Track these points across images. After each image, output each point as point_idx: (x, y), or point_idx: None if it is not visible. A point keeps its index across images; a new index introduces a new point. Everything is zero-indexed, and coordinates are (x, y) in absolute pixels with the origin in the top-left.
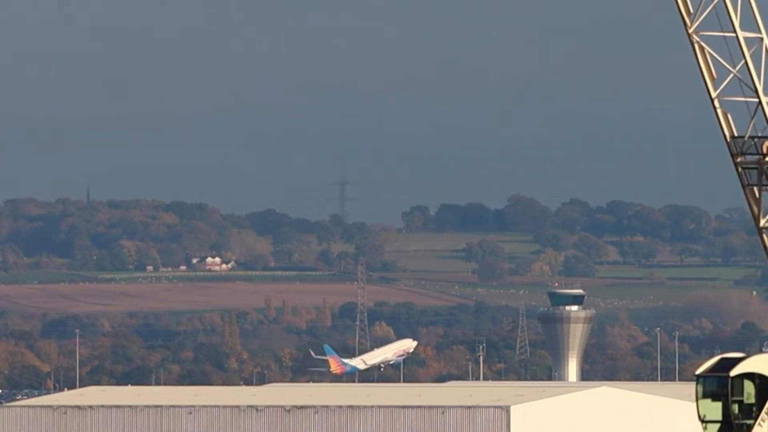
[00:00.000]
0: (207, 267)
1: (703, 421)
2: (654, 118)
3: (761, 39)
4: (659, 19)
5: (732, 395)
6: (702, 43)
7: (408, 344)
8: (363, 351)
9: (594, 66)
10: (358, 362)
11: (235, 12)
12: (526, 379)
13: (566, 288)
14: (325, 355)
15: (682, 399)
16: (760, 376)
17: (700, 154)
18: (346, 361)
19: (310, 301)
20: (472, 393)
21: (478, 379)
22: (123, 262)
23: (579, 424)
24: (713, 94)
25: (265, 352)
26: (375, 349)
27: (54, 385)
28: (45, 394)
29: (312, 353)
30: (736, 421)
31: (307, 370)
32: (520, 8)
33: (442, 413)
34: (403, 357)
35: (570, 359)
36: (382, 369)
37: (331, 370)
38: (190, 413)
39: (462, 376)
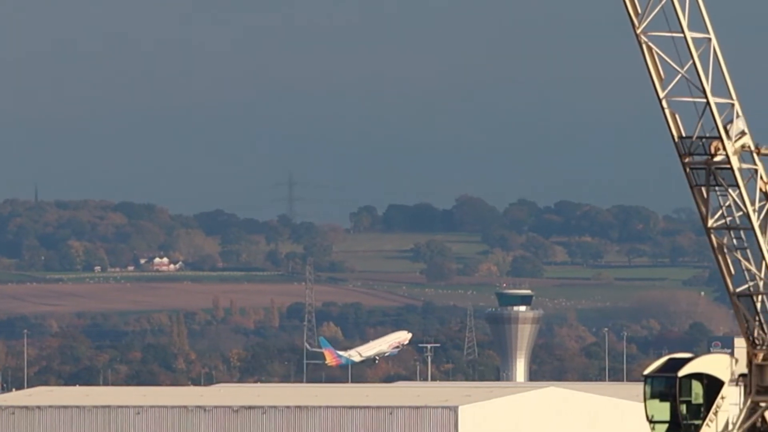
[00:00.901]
0: (155, 267)
1: (650, 421)
2: (602, 119)
3: (709, 39)
4: (607, 19)
5: (680, 396)
6: (650, 44)
7: (403, 336)
8: (310, 352)
9: (543, 66)
10: (354, 354)
11: (184, 10)
12: (474, 380)
13: (514, 288)
14: (320, 347)
15: (630, 399)
16: (708, 377)
17: (647, 155)
18: (341, 353)
19: (258, 301)
20: (420, 393)
21: (426, 379)
22: (71, 262)
23: (527, 424)
24: (661, 95)
25: (213, 353)
26: (370, 341)
27: (2, 386)
28: None
29: (308, 346)
30: (684, 422)
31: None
32: (471, 7)
33: (390, 414)
34: (399, 349)
35: (518, 359)
36: (376, 361)
37: (326, 362)
38: (138, 413)
39: (410, 377)
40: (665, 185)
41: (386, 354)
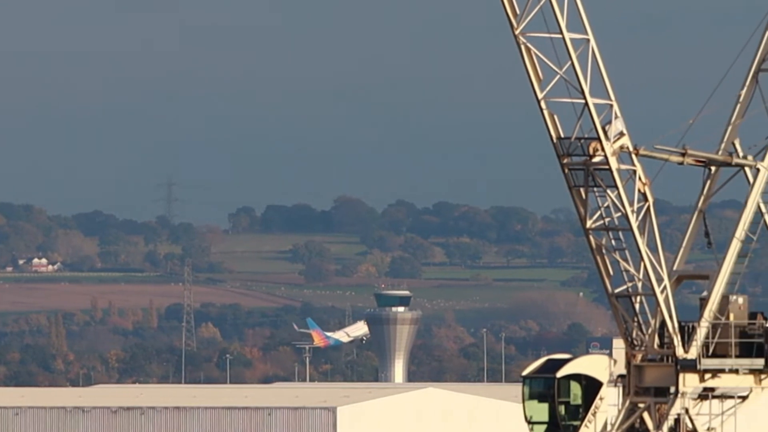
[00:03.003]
0: (33, 268)
1: (529, 422)
2: (480, 119)
3: (587, 40)
4: (485, 19)
5: (558, 396)
6: (528, 44)
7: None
8: (190, 353)
9: (420, 66)
10: (342, 335)
11: (60, 9)
12: (352, 380)
13: (392, 289)
14: (308, 328)
15: (509, 400)
16: (587, 378)
17: (526, 156)
18: (329, 334)
19: (136, 302)
20: (299, 394)
21: (304, 380)
22: None
23: (405, 424)
24: (539, 96)
25: (92, 353)
26: (358, 322)
27: None
28: None
29: (295, 327)
30: (563, 423)
31: (290, 344)
32: (344, 7)
33: (269, 414)
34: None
35: (396, 360)
36: (364, 341)
37: (314, 343)
38: (17, 414)
39: (288, 378)
40: (543, 186)
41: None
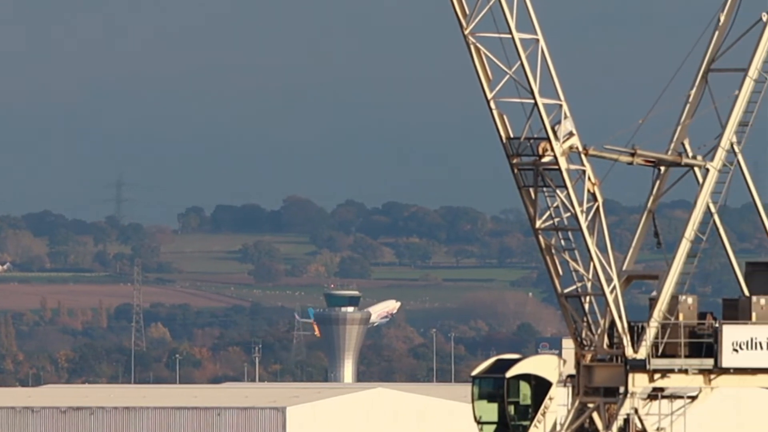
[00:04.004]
0: None
1: (478, 422)
2: (428, 119)
3: (537, 40)
4: (435, 19)
5: (508, 396)
6: (478, 45)
7: (392, 305)
8: (139, 353)
9: (369, 66)
10: None
11: (5, 8)
12: (302, 380)
13: (342, 289)
14: (309, 318)
15: (458, 400)
16: (536, 378)
17: (475, 156)
18: None
19: (86, 302)
20: (248, 394)
21: (254, 380)
22: None
23: (355, 424)
24: (489, 96)
25: (41, 354)
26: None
27: None
28: None
29: (297, 317)
30: (512, 423)
31: (291, 333)
32: (293, 7)
33: (218, 414)
34: (387, 319)
35: (346, 360)
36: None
37: (315, 333)
38: None
39: (238, 378)
40: (493, 186)
41: (375, 324)
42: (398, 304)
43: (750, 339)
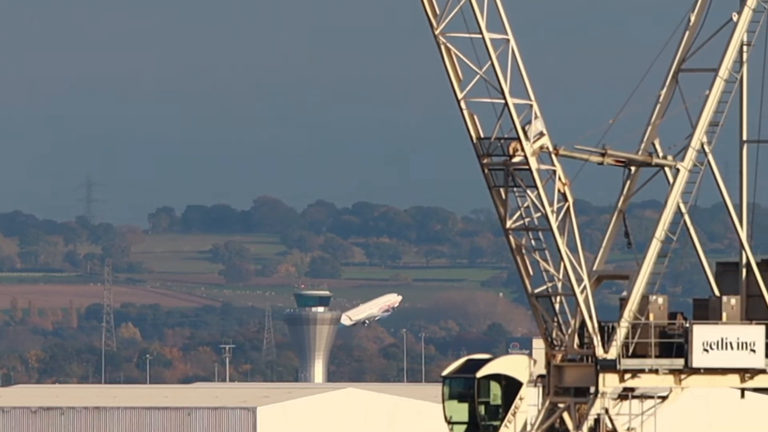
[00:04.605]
0: None
1: (449, 422)
2: (399, 119)
3: (507, 40)
4: (405, 19)
5: (478, 396)
6: (448, 45)
7: (393, 299)
8: (109, 353)
9: (339, 66)
10: (344, 319)
11: None
12: (272, 381)
13: (312, 289)
14: None
15: (429, 400)
16: (507, 378)
17: (446, 156)
18: None
19: (56, 302)
20: (219, 394)
21: (224, 380)
22: None
23: (325, 425)
24: (459, 96)
25: (11, 354)
26: (361, 305)
27: None
28: None
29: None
30: (483, 423)
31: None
32: (265, 9)
33: (189, 415)
34: (389, 312)
35: (316, 360)
36: (366, 324)
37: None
38: None
39: (208, 378)
40: (463, 186)
41: (377, 317)
42: (399, 297)
43: (720, 339)
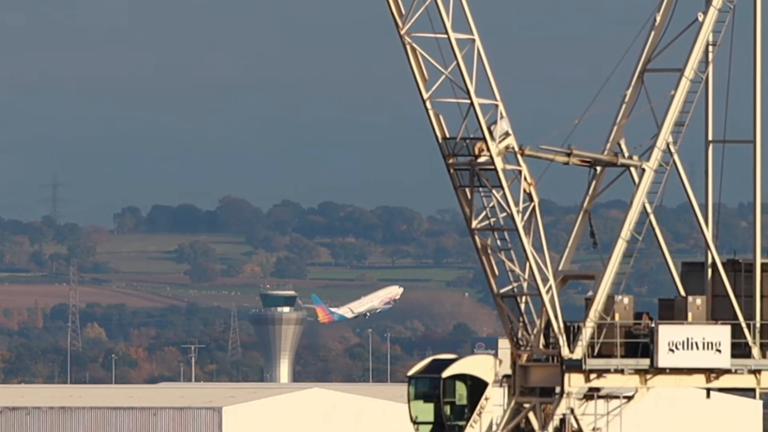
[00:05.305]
0: None
1: (414, 422)
2: (365, 119)
3: (473, 40)
4: (369, 19)
5: (444, 396)
6: (414, 45)
7: (394, 291)
8: (75, 353)
9: (305, 66)
10: (346, 311)
11: None
12: (238, 381)
13: (278, 289)
14: (313, 304)
15: (394, 400)
16: (472, 378)
17: (411, 156)
18: (333, 310)
19: (22, 302)
20: (184, 394)
21: (190, 380)
22: None
23: (291, 424)
24: (425, 96)
25: None
26: (362, 297)
27: None
28: None
29: (299, 302)
30: (448, 423)
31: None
32: (228, 8)
33: (154, 414)
34: (390, 305)
35: (282, 360)
36: (367, 317)
37: (318, 319)
38: None
39: (174, 378)
40: (429, 186)
41: (378, 310)
42: (401, 289)
43: (686, 339)
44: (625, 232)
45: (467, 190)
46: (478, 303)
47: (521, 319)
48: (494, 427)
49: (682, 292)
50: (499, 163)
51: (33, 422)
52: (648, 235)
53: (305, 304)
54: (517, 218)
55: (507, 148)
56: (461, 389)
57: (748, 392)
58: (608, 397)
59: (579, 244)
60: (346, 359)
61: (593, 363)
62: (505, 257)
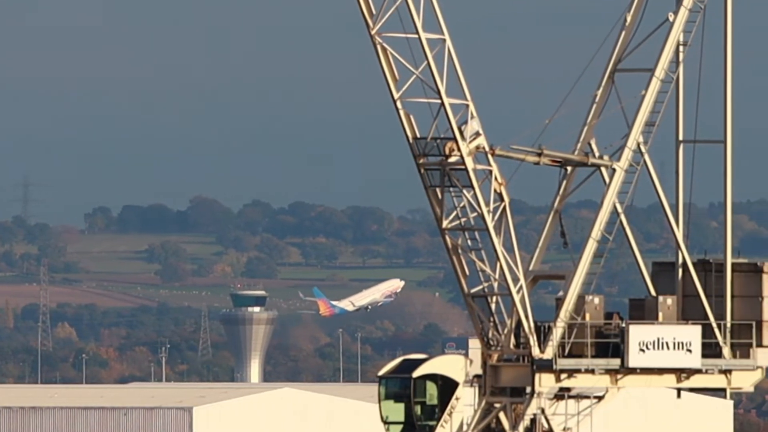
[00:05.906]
0: None
1: (385, 422)
2: (336, 119)
3: (444, 40)
4: (341, 18)
5: (414, 396)
6: (384, 45)
7: (396, 284)
8: (46, 353)
9: (274, 66)
10: (347, 304)
11: None
12: (208, 381)
13: (248, 289)
14: (314, 297)
15: (365, 400)
16: (443, 378)
17: (382, 156)
18: (334, 303)
19: None
20: (155, 394)
21: (160, 380)
22: None
23: (261, 424)
24: (395, 95)
25: None
26: (363, 290)
27: None
28: None
29: (301, 295)
30: (419, 423)
31: (294, 313)
32: (196, 8)
33: (125, 414)
34: (391, 298)
35: (252, 360)
36: (368, 310)
37: (320, 312)
38: None
39: (145, 378)
40: (399, 186)
41: (379, 303)
42: (402, 282)
43: (656, 339)
44: (596, 232)
45: (438, 190)
46: (449, 303)
47: (492, 319)
48: (465, 427)
49: (653, 292)
50: (469, 163)
51: (3, 422)
52: (618, 235)
53: (306, 297)
54: (488, 218)
55: (478, 147)
56: (432, 389)
57: (718, 392)
58: (579, 397)
59: (549, 244)
60: (317, 359)
61: (564, 363)
62: (475, 257)
